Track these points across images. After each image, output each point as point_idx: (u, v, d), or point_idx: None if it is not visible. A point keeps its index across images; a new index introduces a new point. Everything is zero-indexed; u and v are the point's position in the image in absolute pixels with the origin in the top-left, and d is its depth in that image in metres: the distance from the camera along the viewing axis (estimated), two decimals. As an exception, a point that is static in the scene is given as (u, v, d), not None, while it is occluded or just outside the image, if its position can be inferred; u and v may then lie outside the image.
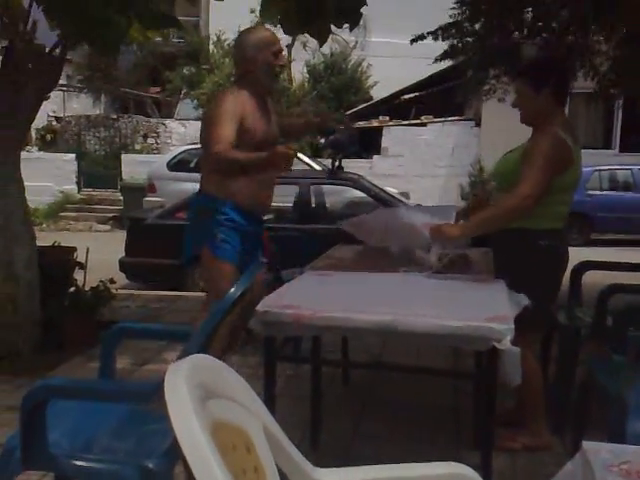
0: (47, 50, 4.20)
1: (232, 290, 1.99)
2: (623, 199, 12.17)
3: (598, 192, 11.80)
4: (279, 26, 3.87)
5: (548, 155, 2.72)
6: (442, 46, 6.42)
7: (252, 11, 17.24)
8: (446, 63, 7.10)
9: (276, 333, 2.40)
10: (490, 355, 2.12)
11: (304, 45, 20.63)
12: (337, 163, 8.09)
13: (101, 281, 4.68)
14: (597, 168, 11.71)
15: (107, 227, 14.04)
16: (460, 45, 6.22)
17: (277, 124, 3.39)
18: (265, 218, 3.61)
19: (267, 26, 4.03)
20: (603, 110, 14.15)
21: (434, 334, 2.13)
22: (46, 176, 14.63)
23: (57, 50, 4.18)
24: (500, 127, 12.97)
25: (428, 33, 6.12)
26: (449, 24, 5.98)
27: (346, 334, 3.03)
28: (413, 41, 6.23)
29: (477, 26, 6.03)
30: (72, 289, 4.59)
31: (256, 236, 3.41)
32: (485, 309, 2.21)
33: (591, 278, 3.76)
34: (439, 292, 2.61)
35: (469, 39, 6.11)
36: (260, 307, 2.27)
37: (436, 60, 6.62)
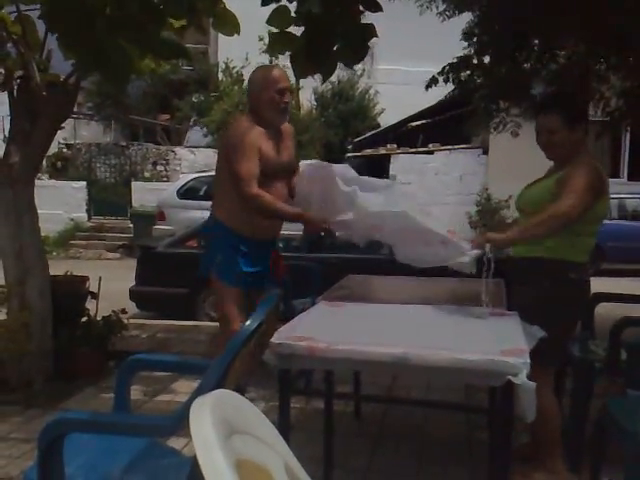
0: (62, 79, 4.26)
1: (248, 323, 2.00)
2: (633, 228, 12.15)
3: (607, 221, 11.74)
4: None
5: (589, 179, 2.73)
6: (452, 84, 6.47)
7: (261, 39, 17.50)
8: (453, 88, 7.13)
9: (290, 366, 2.39)
10: (505, 389, 2.11)
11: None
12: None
13: (113, 311, 4.69)
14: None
15: (117, 255, 14.09)
16: (469, 79, 6.27)
17: (293, 156, 3.52)
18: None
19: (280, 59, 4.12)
20: (611, 139, 14.21)
21: (448, 368, 2.12)
22: (56, 204, 14.75)
23: (71, 79, 4.24)
24: (507, 155, 13.08)
25: (439, 73, 6.16)
26: (458, 60, 6.02)
27: (359, 368, 3.02)
28: (427, 87, 6.27)
29: (485, 59, 6.08)
30: (84, 319, 4.60)
31: (264, 258, 3.51)
32: (500, 342, 2.20)
33: (604, 309, 3.74)
34: (452, 324, 2.61)
35: (477, 74, 6.15)
36: (274, 339, 2.27)
37: (446, 97, 6.66)
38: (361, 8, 3.52)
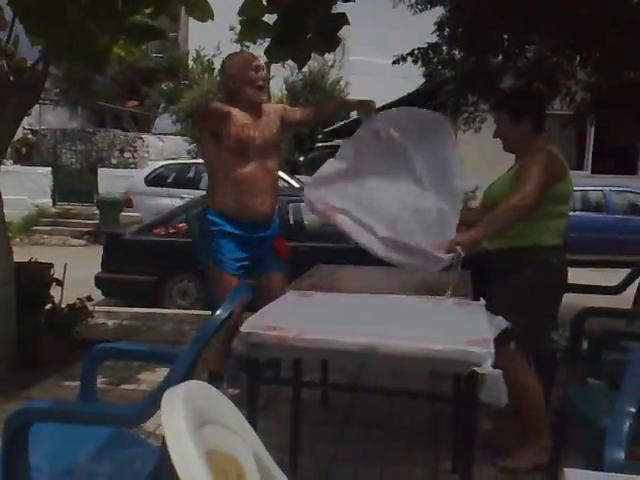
0: (29, 65, 4.18)
1: (217, 313, 2.00)
2: (596, 220, 12.39)
3: (571, 213, 11.96)
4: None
5: (543, 164, 2.83)
6: (420, 66, 6.50)
7: (231, 28, 17.32)
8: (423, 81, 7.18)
9: (259, 355, 2.40)
10: (469, 378, 2.15)
11: (283, 63, 20.74)
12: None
13: (79, 298, 4.64)
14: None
15: (82, 242, 13.88)
16: (438, 69, 6.32)
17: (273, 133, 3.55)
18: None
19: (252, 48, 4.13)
20: (576, 132, 14.44)
21: (415, 357, 2.15)
22: (21, 189, 14.45)
23: (39, 65, 4.16)
24: (473, 148, 13.17)
25: (407, 54, 6.19)
26: (427, 46, 6.06)
27: (328, 357, 3.04)
28: (394, 63, 6.31)
29: (455, 51, 6.12)
30: (48, 306, 4.54)
31: (259, 242, 3.56)
32: (465, 332, 2.23)
33: (566, 299, 3.81)
34: (419, 314, 2.64)
35: (447, 68, 6.20)
36: (244, 328, 2.28)
37: (417, 90, 6.69)
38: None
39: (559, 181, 2.87)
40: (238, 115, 3.38)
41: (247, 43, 4.47)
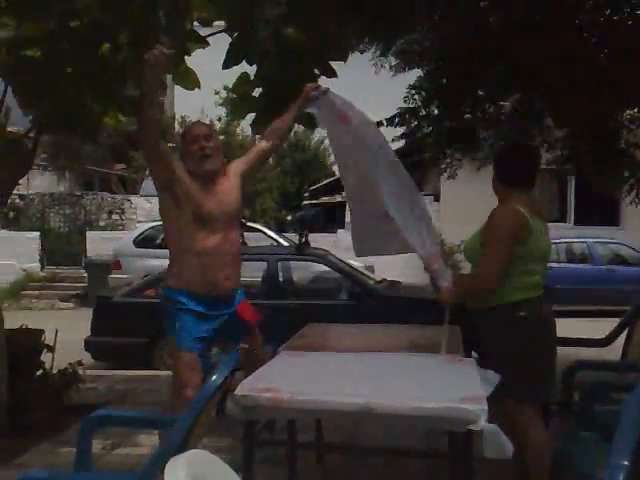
0: (22, 133, 4.27)
1: (213, 379, 2.03)
2: (580, 271, 12.54)
3: (556, 264, 12.14)
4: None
5: (500, 227, 2.90)
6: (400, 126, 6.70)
7: (216, 92, 17.73)
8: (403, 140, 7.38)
9: (255, 417, 2.41)
10: (464, 435, 2.17)
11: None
12: (304, 239, 8.25)
13: (69, 364, 4.62)
14: (554, 241, 12.06)
15: (70, 305, 13.78)
16: (416, 127, 6.53)
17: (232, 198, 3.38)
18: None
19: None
20: (557, 184, 14.72)
21: (409, 416, 2.18)
22: (9, 254, 14.46)
23: (31, 133, 4.25)
24: (458, 201, 13.42)
25: (386, 120, 6.38)
26: (406, 110, 6.25)
27: (323, 417, 3.05)
28: (378, 125, 6.48)
29: (432, 108, 6.33)
30: (39, 372, 4.51)
31: (228, 319, 3.34)
32: (459, 389, 2.27)
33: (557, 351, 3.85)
34: (412, 372, 2.67)
35: (424, 124, 6.40)
36: (238, 391, 2.30)
37: (393, 140, 6.86)
38: (317, 72, 3.68)
39: (524, 239, 2.89)
40: (195, 188, 3.22)
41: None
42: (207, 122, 4.01)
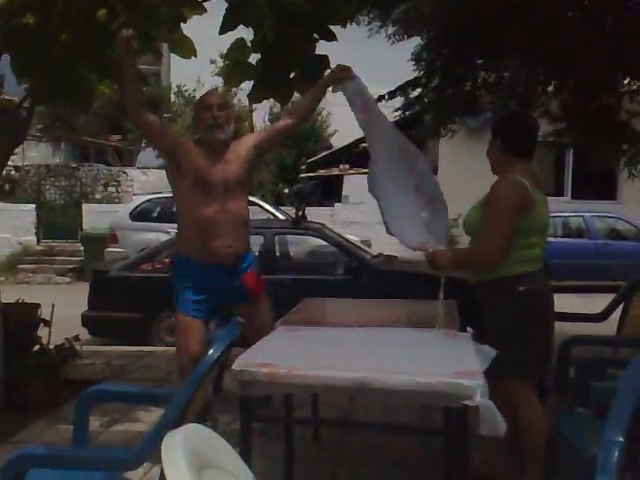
0: (16, 103, 4.21)
1: (210, 353, 2.02)
2: (577, 245, 12.54)
3: (552, 239, 12.13)
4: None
5: (504, 199, 2.86)
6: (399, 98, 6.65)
7: (212, 62, 17.57)
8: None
9: (251, 392, 2.41)
10: (460, 410, 2.17)
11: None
12: (301, 213, 8.22)
13: (66, 339, 4.61)
14: (550, 215, 12.03)
15: (67, 279, 13.78)
16: (415, 99, 6.49)
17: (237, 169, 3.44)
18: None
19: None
20: (554, 158, 14.66)
21: (405, 391, 2.18)
22: (4, 227, 14.42)
23: (26, 103, 4.19)
24: (456, 174, 13.38)
25: (388, 93, 6.32)
26: (407, 82, 6.20)
27: (320, 392, 3.06)
28: (378, 100, 6.42)
29: (433, 79, 6.28)
30: (36, 347, 4.51)
31: (231, 286, 3.44)
32: (454, 364, 2.26)
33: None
34: (408, 347, 2.67)
35: (425, 93, 6.37)
36: (235, 366, 2.29)
37: (397, 109, 6.82)
38: (316, 36, 3.60)
39: (527, 213, 2.87)
40: (199, 155, 3.32)
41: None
42: (204, 91, 4.02)
